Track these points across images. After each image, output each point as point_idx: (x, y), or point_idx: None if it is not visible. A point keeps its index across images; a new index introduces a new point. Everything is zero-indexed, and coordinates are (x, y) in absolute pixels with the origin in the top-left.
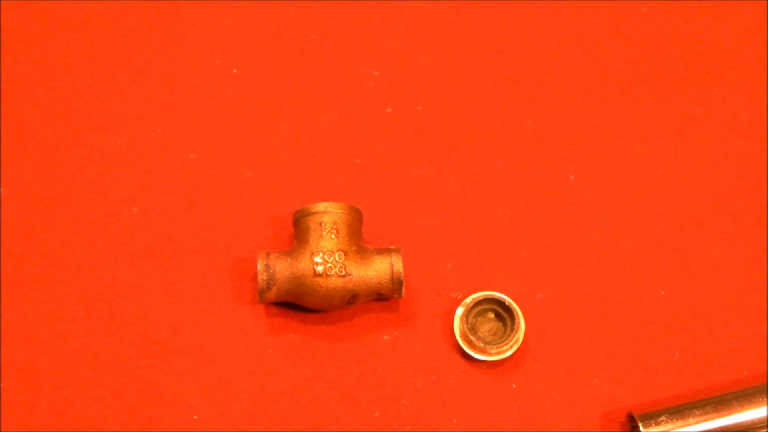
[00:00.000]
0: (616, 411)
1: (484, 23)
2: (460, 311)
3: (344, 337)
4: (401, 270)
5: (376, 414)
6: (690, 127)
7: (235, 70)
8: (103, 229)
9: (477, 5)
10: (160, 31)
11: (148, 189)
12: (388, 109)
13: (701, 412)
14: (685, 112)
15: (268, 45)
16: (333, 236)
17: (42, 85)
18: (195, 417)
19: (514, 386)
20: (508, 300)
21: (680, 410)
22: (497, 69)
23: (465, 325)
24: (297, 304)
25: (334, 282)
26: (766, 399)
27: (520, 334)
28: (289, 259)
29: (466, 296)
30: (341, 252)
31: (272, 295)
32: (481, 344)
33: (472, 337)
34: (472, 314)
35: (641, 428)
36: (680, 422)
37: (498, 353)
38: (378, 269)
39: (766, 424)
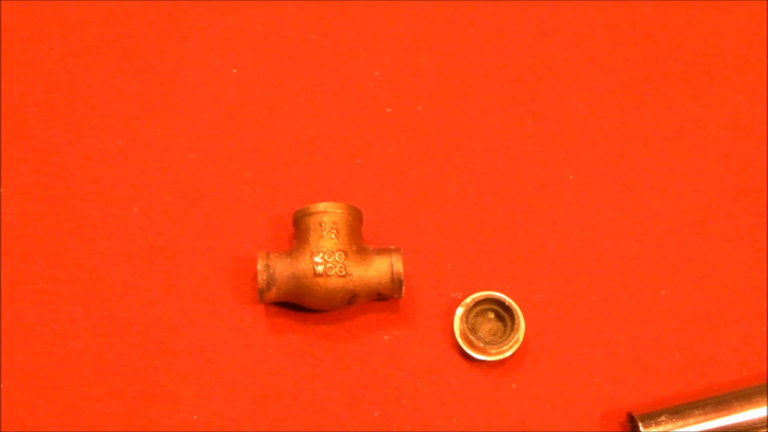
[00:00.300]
0: (616, 411)
1: (484, 23)
2: (460, 311)
3: (344, 337)
4: (401, 270)
5: (376, 414)
6: (690, 127)
7: (235, 70)
8: (103, 229)
9: (477, 5)
10: (160, 31)
11: (148, 189)
12: (388, 109)
13: (701, 412)
14: (685, 112)
15: (268, 45)
16: (333, 236)
17: (42, 85)
18: (195, 417)
19: (514, 386)
20: (508, 300)
21: (680, 410)
22: (497, 69)
23: (465, 325)
24: (297, 304)
25: (334, 282)
26: (766, 399)
27: (520, 334)
28: (289, 259)
29: (466, 296)
30: (341, 252)
31: (272, 295)
32: (481, 344)
33: (472, 337)
34: (472, 314)
35: (641, 428)
36: (680, 422)
37: (498, 353)
38: (378, 269)
39: (766, 424)
